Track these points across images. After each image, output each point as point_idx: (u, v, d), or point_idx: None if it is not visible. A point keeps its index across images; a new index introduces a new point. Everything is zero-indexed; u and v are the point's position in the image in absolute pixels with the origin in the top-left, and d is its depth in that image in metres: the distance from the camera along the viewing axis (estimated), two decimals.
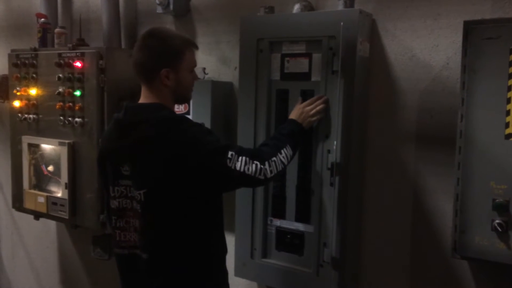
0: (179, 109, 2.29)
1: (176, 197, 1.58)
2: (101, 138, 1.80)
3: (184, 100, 1.79)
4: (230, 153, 1.58)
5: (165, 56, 1.63)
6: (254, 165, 1.61)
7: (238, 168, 1.58)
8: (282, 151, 1.73)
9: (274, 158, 1.68)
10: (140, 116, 1.62)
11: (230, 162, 1.57)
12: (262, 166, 1.63)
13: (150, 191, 1.59)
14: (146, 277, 1.64)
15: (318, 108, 1.90)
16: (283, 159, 1.71)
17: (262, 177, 1.63)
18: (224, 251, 1.76)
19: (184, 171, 1.55)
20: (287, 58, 2.02)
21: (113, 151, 1.68)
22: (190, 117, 2.28)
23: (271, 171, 1.65)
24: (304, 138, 1.92)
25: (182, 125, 1.60)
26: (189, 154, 1.55)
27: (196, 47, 1.73)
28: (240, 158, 1.59)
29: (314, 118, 1.90)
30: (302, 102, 1.94)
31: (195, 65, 1.73)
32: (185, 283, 1.64)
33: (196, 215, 1.62)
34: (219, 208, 1.71)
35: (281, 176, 2.06)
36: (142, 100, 1.68)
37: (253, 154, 1.64)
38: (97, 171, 2.16)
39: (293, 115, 1.92)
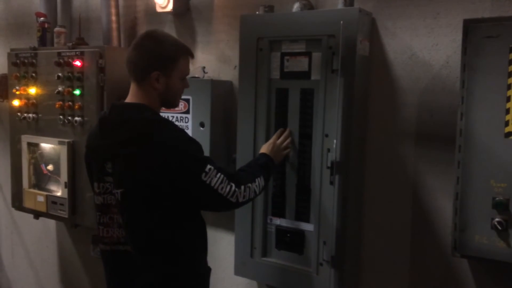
0: (179, 108, 2.29)
1: (150, 200, 1.57)
2: (87, 135, 1.80)
3: (171, 105, 1.76)
4: (208, 167, 1.57)
5: (158, 59, 1.63)
6: (229, 186, 1.61)
7: (212, 184, 1.57)
8: (257, 180, 1.74)
9: (249, 185, 1.69)
10: (123, 115, 1.61)
11: (206, 176, 1.56)
12: (236, 189, 1.63)
13: (126, 191, 1.59)
14: (128, 273, 1.65)
15: (288, 140, 2.00)
16: (255, 188, 1.72)
17: (234, 200, 1.63)
18: (203, 250, 1.75)
19: (160, 175, 1.53)
20: (286, 57, 2.02)
21: (97, 148, 1.69)
22: (190, 116, 2.28)
23: (243, 196, 1.66)
24: (274, 172, 1.96)
25: (164, 129, 1.58)
26: (167, 159, 1.53)
27: (192, 56, 1.73)
28: (218, 174, 1.58)
29: (285, 152, 2.00)
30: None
31: (187, 74, 1.73)
32: (164, 281, 1.63)
33: (168, 217, 1.60)
34: (195, 213, 1.69)
35: (281, 175, 2.07)
36: (129, 99, 1.68)
37: (230, 175, 1.63)
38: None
39: (264, 149, 1.95)
